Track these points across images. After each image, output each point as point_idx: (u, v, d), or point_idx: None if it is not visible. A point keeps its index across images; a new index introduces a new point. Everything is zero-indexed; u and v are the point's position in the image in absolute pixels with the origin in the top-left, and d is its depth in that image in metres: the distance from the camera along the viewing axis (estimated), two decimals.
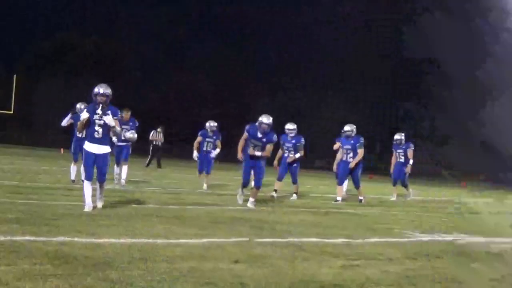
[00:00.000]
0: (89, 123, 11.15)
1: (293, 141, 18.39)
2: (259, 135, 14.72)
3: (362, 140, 18.04)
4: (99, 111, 11.05)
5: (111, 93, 11.15)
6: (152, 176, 26.53)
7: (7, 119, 59.30)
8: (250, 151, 14.81)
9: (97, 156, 11.18)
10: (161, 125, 35.36)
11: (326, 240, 10.19)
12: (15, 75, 54.34)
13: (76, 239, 8.28)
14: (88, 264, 6.70)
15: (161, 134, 34.01)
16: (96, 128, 11.07)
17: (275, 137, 15.01)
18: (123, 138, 16.28)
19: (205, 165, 19.44)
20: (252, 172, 15.39)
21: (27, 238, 8.02)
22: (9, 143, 52.84)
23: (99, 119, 11.05)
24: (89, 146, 11.20)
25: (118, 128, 11.43)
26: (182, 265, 7.14)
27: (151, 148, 34.27)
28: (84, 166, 11.50)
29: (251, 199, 14.82)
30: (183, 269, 6.87)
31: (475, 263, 9.11)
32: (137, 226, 10.12)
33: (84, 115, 11.04)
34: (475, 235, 12.44)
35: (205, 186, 19.11)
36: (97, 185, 11.40)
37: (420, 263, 8.71)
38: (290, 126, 18.50)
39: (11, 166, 26.22)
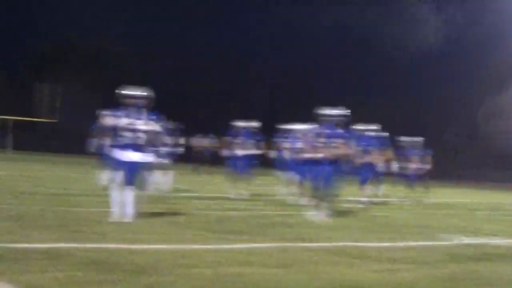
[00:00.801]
0: (120, 129, 10.59)
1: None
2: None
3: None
4: (129, 116, 10.52)
5: (145, 95, 10.61)
6: (195, 181, 26.72)
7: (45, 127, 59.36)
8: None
9: (129, 163, 10.66)
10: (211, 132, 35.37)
11: (369, 244, 10.22)
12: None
13: (118, 245, 8.43)
14: (130, 270, 6.78)
15: (212, 140, 34.16)
16: (128, 134, 10.55)
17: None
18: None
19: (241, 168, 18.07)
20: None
21: (69, 245, 8.15)
22: (47, 151, 53.11)
23: (131, 124, 10.52)
24: (119, 153, 10.71)
25: (156, 134, 11.03)
26: (226, 270, 7.20)
27: (201, 154, 34.73)
28: (114, 173, 11.06)
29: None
30: (226, 275, 6.90)
31: None
32: (179, 232, 10.24)
33: (111, 121, 10.72)
34: None
35: (241, 192, 17.95)
36: (129, 193, 10.71)
37: (462, 266, 8.67)
38: None
39: (48, 173, 26.50)
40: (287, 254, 8.72)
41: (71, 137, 55.42)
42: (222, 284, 6.46)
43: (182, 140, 18.00)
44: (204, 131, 36.15)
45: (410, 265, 8.43)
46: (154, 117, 10.80)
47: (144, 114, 10.60)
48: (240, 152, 17.77)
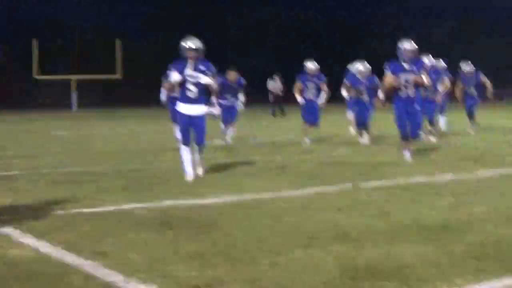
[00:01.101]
0: (181, 83, 10.26)
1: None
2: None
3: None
4: (190, 68, 10.09)
5: (202, 47, 10.20)
6: (263, 126, 26.87)
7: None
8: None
9: (192, 118, 10.30)
10: (277, 72, 35.32)
11: (433, 179, 10.03)
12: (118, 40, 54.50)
13: (180, 201, 8.44)
14: (192, 227, 6.80)
15: (279, 81, 34.09)
16: (190, 87, 10.15)
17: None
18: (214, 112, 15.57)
19: (310, 113, 16.66)
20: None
21: (133, 205, 8.19)
22: (118, 107, 53.29)
23: (192, 78, 10.11)
24: (183, 108, 10.38)
25: (215, 86, 10.66)
26: (286, 219, 7.16)
27: (272, 97, 34.67)
28: (180, 131, 10.76)
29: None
30: (286, 224, 6.88)
31: None
32: (241, 182, 10.20)
33: (176, 77, 10.19)
34: None
35: (307, 140, 16.51)
36: (197, 150, 10.53)
37: None
38: None
39: (116, 130, 26.96)
40: (350, 195, 8.72)
41: (138, 91, 55.59)
42: (280, 234, 6.42)
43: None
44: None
45: (477, 197, 8.37)
46: (210, 66, 10.37)
47: (203, 65, 10.25)
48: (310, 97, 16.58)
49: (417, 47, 12.00)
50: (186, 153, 10.26)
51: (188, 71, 10.04)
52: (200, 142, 10.38)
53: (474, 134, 18.85)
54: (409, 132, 12.10)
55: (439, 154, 13.55)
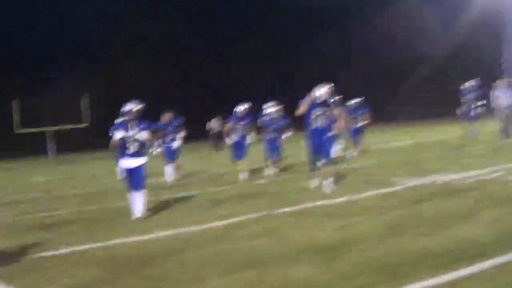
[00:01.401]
0: (122, 141, 10.04)
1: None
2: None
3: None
4: (130, 128, 10.01)
5: (139, 108, 10.14)
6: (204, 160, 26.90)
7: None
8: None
9: (132, 169, 10.10)
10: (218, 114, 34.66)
11: (328, 202, 10.12)
12: None
13: (128, 239, 8.50)
14: (133, 263, 6.95)
15: (219, 121, 33.95)
16: (129, 144, 10.01)
17: None
18: (158, 150, 15.77)
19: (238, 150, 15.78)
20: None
21: (89, 246, 8.26)
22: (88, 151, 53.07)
23: (131, 136, 10.01)
24: (124, 162, 10.16)
25: (151, 141, 10.89)
26: (211, 249, 7.30)
27: (213, 135, 34.45)
28: (124, 180, 10.41)
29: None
30: (211, 254, 7.02)
31: None
32: (178, 216, 10.26)
33: (117, 136, 10.02)
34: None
35: (241, 175, 15.54)
36: (139, 194, 10.13)
37: (408, 210, 8.65)
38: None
39: (84, 172, 27.05)
40: (264, 223, 8.72)
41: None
42: (205, 264, 6.57)
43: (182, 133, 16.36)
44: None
45: (363, 217, 8.42)
46: (146, 124, 10.29)
47: (140, 124, 10.14)
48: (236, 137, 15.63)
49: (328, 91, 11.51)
50: (130, 197, 10.14)
51: (129, 131, 10.01)
52: (140, 188, 10.06)
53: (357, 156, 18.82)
54: (319, 159, 11.61)
55: (342, 179, 13.19)
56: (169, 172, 15.96)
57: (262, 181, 14.78)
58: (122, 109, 10.13)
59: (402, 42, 66.16)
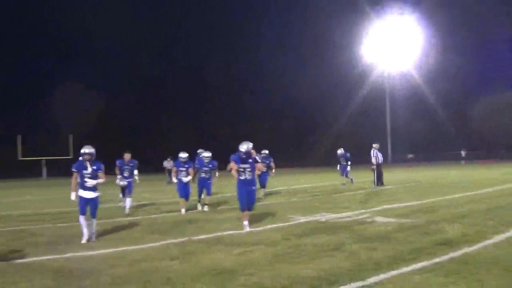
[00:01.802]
0: (81, 176, 9.85)
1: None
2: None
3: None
4: (87, 167, 9.83)
5: (94, 152, 9.92)
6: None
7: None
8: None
9: (88, 199, 9.83)
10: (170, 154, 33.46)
11: (236, 232, 10.15)
12: None
13: (77, 253, 8.46)
14: (76, 275, 6.95)
15: (171, 162, 33.22)
16: (86, 179, 9.79)
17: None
18: (121, 183, 15.21)
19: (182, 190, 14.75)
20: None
21: (47, 257, 8.21)
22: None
23: (87, 173, 9.82)
24: (82, 193, 9.80)
25: (102, 180, 9.99)
26: (136, 267, 7.29)
27: (167, 172, 33.28)
28: (79, 206, 9.87)
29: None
30: (133, 272, 7.01)
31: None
32: (119, 237, 10.14)
33: (74, 176, 9.89)
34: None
35: (183, 210, 14.48)
36: (91, 221, 9.87)
37: (293, 242, 8.73)
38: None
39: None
40: (184, 247, 8.68)
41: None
42: (125, 280, 6.59)
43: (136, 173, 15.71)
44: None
45: (260, 246, 8.48)
46: (100, 165, 10.04)
47: (94, 164, 9.94)
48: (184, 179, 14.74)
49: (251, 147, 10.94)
50: (82, 221, 9.78)
51: (87, 169, 9.89)
52: (93, 216, 9.88)
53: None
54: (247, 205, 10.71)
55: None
56: (127, 203, 15.02)
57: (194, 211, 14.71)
58: (82, 151, 9.98)
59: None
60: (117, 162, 15.45)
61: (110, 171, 13.16)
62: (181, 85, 77.28)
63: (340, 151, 24.38)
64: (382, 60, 66.83)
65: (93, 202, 9.89)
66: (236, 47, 79.84)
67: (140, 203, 17.90)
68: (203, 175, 15.29)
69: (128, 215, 14.22)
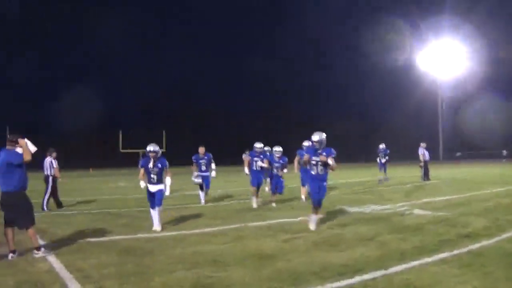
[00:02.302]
0: (147, 172, 9.31)
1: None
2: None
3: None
4: (151, 165, 9.28)
5: (159, 150, 9.41)
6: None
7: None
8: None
9: (154, 193, 9.24)
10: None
11: (289, 220, 9.82)
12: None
13: (137, 235, 8.45)
14: (139, 254, 6.91)
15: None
16: (152, 176, 9.25)
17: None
18: (196, 181, 13.35)
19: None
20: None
21: (117, 237, 8.32)
22: None
23: (152, 169, 9.27)
24: (149, 187, 9.28)
25: (168, 179, 9.49)
26: (198, 248, 7.22)
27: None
28: (148, 199, 9.39)
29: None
30: (187, 253, 6.94)
31: None
32: (182, 222, 10.09)
33: (141, 171, 9.40)
34: None
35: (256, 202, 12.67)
36: (157, 209, 9.21)
37: (335, 231, 8.38)
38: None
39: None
40: (239, 232, 8.52)
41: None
42: (187, 259, 6.51)
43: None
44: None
45: (304, 234, 8.20)
46: (165, 162, 9.42)
47: (159, 162, 9.35)
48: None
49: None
50: (152, 211, 9.30)
51: (150, 165, 9.32)
52: (158, 204, 9.17)
53: None
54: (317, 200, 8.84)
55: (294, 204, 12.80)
56: (202, 195, 13.64)
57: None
58: (148, 149, 9.43)
59: None
60: (193, 158, 13.76)
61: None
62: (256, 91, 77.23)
63: (381, 146, 21.49)
64: (435, 68, 64.21)
65: (158, 194, 9.29)
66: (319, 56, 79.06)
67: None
68: (274, 171, 13.01)
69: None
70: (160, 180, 9.36)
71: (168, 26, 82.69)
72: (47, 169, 13.35)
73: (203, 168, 13.69)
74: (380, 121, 71.62)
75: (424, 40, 63.59)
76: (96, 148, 65.40)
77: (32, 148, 7.14)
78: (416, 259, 6.12)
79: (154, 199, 9.26)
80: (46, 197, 13.12)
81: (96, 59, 74.17)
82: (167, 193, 9.79)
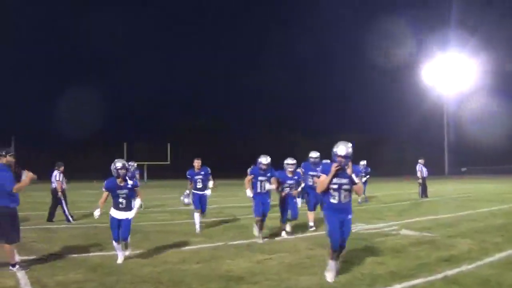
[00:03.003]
0: (113, 196, 7.54)
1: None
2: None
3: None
4: (119, 183, 7.51)
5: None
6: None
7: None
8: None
9: (121, 221, 7.53)
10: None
11: (270, 240, 9.58)
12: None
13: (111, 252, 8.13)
14: (106, 272, 6.78)
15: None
16: (119, 200, 7.53)
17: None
18: (185, 201, 11.30)
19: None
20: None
21: (94, 254, 8.24)
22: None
23: (121, 191, 7.53)
24: (115, 214, 7.56)
25: (138, 200, 7.93)
26: (168, 267, 7.07)
27: None
28: (112, 229, 7.56)
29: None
30: (155, 272, 6.78)
31: None
32: (162, 238, 9.91)
33: (104, 195, 7.57)
34: None
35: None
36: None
37: (313, 252, 8.18)
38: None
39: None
40: (213, 251, 8.36)
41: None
42: (153, 278, 6.38)
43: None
44: None
45: (281, 254, 7.96)
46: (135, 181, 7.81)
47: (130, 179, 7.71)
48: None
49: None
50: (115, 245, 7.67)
51: (118, 186, 7.54)
52: (126, 237, 7.69)
53: None
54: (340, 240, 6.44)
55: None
56: (197, 217, 11.13)
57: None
58: (116, 165, 7.57)
59: None
60: (187, 174, 11.24)
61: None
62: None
63: (362, 162, 18.87)
64: (441, 82, 63.91)
65: (125, 223, 7.62)
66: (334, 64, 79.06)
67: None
68: (287, 190, 10.07)
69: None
70: (130, 205, 7.67)
71: (174, 37, 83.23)
72: (53, 182, 13.58)
73: (199, 185, 11.12)
74: (385, 135, 71.28)
75: (430, 54, 63.37)
76: (100, 160, 65.38)
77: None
78: (386, 285, 5.92)
79: (118, 230, 7.52)
80: (66, 209, 13.38)
81: (99, 68, 74.84)
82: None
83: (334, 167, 6.20)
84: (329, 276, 6.28)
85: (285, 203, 10.06)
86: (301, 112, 76.70)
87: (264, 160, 9.64)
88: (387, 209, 15.81)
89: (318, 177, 6.47)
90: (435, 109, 67.15)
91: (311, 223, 11.00)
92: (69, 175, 15.28)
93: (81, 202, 20.02)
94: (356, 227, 11.21)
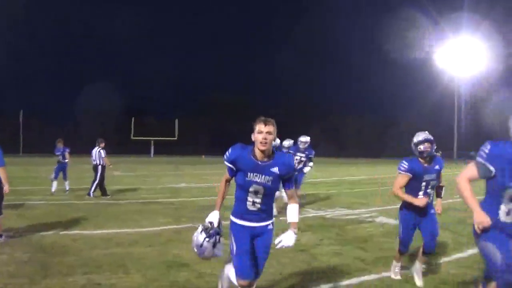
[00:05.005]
0: None
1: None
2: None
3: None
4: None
5: None
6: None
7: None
8: None
9: None
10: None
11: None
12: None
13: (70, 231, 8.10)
14: (52, 252, 6.59)
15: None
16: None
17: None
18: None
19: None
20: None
21: (47, 232, 7.90)
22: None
23: None
24: None
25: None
26: (118, 250, 6.83)
27: None
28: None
29: None
30: (101, 254, 6.56)
31: None
32: (129, 218, 9.73)
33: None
34: None
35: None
36: None
37: None
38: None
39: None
40: (173, 234, 8.06)
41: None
42: (96, 261, 6.15)
43: None
44: None
45: None
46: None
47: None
48: None
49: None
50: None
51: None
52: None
53: None
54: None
55: None
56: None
57: None
58: None
59: None
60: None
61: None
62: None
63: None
64: (454, 66, 62.49)
65: None
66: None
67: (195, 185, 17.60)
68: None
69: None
70: None
71: (184, 19, 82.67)
72: (96, 159, 13.76)
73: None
74: (397, 118, 70.38)
75: (442, 37, 61.90)
76: (108, 135, 65.66)
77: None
78: (333, 281, 5.50)
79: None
80: (94, 184, 13.51)
81: (110, 49, 75.01)
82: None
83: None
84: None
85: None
86: (312, 95, 76.14)
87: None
88: (380, 193, 15.25)
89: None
90: (447, 93, 65.94)
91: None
92: (76, 149, 15.36)
93: (83, 178, 19.85)
94: (333, 212, 10.95)
